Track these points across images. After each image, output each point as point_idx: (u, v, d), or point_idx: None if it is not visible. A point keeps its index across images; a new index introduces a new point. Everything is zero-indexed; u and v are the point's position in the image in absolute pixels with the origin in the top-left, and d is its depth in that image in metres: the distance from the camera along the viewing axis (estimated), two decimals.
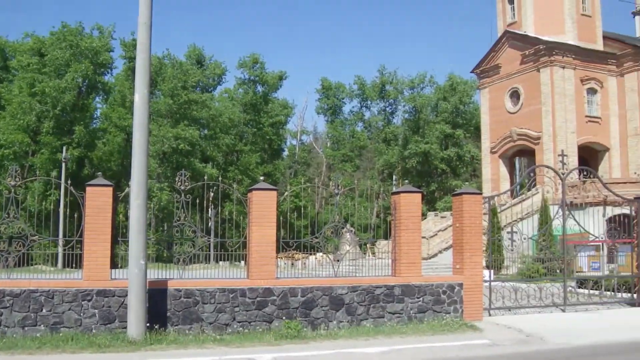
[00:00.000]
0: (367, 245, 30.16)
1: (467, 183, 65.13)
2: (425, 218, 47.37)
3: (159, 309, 13.85)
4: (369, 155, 79.94)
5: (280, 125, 74.81)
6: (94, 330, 13.23)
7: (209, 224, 49.54)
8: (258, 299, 14.62)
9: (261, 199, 15.07)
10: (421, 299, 16.19)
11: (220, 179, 18.23)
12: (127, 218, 13.97)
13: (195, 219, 22.48)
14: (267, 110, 71.22)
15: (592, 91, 48.08)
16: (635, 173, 46.06)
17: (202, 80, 67.24)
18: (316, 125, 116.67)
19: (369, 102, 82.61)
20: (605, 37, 49.62)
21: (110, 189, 14.12)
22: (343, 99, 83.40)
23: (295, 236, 16.89)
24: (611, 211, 36.28)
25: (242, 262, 17.71)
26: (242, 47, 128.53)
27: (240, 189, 44.21)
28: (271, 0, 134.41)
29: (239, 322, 14.36)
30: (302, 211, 30.64)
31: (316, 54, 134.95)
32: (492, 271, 19.86)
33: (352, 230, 32.08)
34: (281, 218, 16.37)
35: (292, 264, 27.25)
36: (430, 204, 69.16)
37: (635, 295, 20.28)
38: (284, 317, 14.60)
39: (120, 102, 61.62)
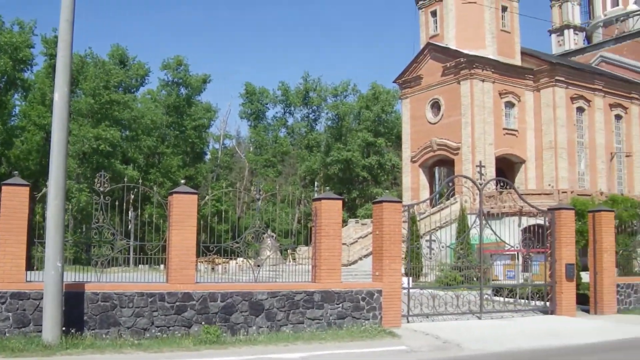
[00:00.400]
0: (288, 251, 30.15)
1: (387, 191, 66.02)
2: (346, 225, 47.70)
3: (76, 312, 13.49)
4: (292, 161, 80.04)
5: (203, 128, 74.07)
6: (7, 334, 12.78)
7: (129, 226, 48.57)
8: (177, 303, 14.43)
9: (182, 202, 14.89)
10: (341, 305, 16.27)
11: (141, 181, 17.89)
12: (44, 219, 13.59)
13: (115, 222, 22.02)
14: (190, 113, 70.39)
15: (510, 105, 49.41)
16: (549, 185, 47.54)
17: (125, 80, 66.01)
18: (239, 129, 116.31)
19: (292, 108, 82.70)
20: (523, 53, 51.10)
21: (27, 188, 13.70)
22: (267, 104, 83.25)
23: (216, 240, 16.73)
24: (526, 221, 37.09)
25: (162, 266, 17.48)
26: (166, 49, 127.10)
27: (162, 192, 43.53)
28: (197, 4, 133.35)
29: (158, 326, 14.14)
30: (224, 215, 30.44)
31: (241, 58, 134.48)
32: (410, 278, 20.14)
33: (273, 236, 31.98)
34: (202, 222, 16.22)
35: (213, 269, 26.97)
36: (351, 211, 69.72)
37: (548, 303, 20.88)
38: (203, 322, 14.45)
39: (40, 100, 59.83)
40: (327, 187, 70.78)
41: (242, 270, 21.87)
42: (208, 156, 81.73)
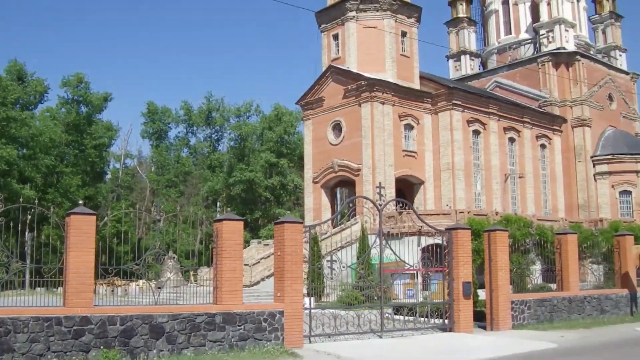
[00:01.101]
0: (190, 272, 29.85)
1: (289, 212, 66.33)
2: (248, 245, 47.54)
3: None
4: (194, 182, 79.29)
5: (104, 147, 72.15)
6: None
7: (25, 248, 47.03)
8: (75, 327, 14.06)
9: (79, 223, 14.57)
10: (242, 326, 16.24)
11: (37, 201, 17.40)
12: None
13: (10, 243, 21.24)
14: (90, 132, 68.40)
15: (409, 127, 50.55)
16: (447, 205, 48.75)
17: (23, 97, 63.68)
18: (141, 149, 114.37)
19: (195, 128, 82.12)
20: (422, 78, 52.47)
21: None
22: (169, 123, 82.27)
23: (116, 262, 16.46)
24: (425, 241, 38.13)
25: (60, 289, 17.01)
26: (67, 66, 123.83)
27: (60, 212, 42.29)
28: (98, 22, 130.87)
29: (54, 352, 13.74)
30: (124, 236, 29.87)
31: (144, 77, 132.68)
32: (312, 299, 20.28)
33: (174, 257, 31.63)
34: (101, 243, 15.92)
35: (113, 291, 26.42)
36: (254, 231, 69.56)
37: (446, 321, 21.43)
38: (102, 347, 14.14)
39: None
40: (230, 208, 70.46)
41: (142, 293, 21.54)
42: (109, 176, 79.85)
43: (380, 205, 21.43)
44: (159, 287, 17.11)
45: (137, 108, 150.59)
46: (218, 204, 75.90)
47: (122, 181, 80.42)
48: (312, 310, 18.59)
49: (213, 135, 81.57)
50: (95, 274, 14.87)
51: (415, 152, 50.66)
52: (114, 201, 72.85)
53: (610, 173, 59.54)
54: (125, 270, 16.51)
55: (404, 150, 49.87)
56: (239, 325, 16.16)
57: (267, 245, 45.96)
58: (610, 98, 64.48)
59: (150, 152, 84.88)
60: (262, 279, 39.31)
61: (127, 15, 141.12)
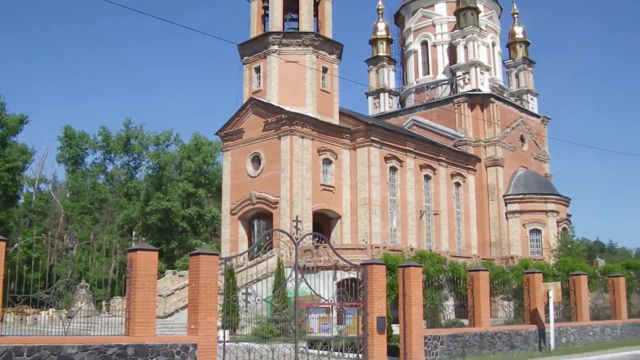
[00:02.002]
0: (103, 302, 29.23)
1: (204, 244, 65.68)
2: (163, 276, 46.83)
3: None
4: (110, 209, 77.64)
5: (18, 171, 69.82)
6: None
7: None
8: None
9: None
10: (155, 359, 16.01)
11: None
12: None
13: None
14: (4, 154, 66.25)
15: (327, 161, 51.00)
16: (363, 240, 49.28)
17: None
18: (56, 174, 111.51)
19: (112, 155, 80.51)
20: (341, 113, 53.13)
21: None
22: (86, 149, 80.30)
23: (26, 290, 16.00)
24: (341, 275, 38.35)
25: None
26: None
27: None
28: (17, 42, 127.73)
29: None
30: (35, 263, 29.06)
31: (62, 101, 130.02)
32: (227, 332, 20.16)
33: (86, 286, 30.92)
34: (10, 270, 15.50)
35: (21, 320, 25.58)
36: (169, 261, 68.54)
37: (361, 355, 21.59)
38: None
39: None
40: (145, 237, 69.39)
41: (52, 322, 20.98)
42: (21, 200, 77.32)
43: (296, 238, 21.54)
44: (70, 317, 16.70)
45: (54, 132, 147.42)
46: (133, 232, 74.55)
47: (35, 206, 77.90)
48: (227, 344, 18.47)
49: (131, 163, 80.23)
50: (3, 302, 14.45)
51: (333, 187, 51.08)
52: (26, 227, 70.62)
53: (521, 212, 61.46)
54: (35, 298, 16.10)
55: (322, 185, 50.20)
56: (151, 358, 15.93)
57: (183, 276, 45.37)
58: (522, 140, 66.74)
59: (65, 178, 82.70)
60: (177, 311, 38.76)
61: (46, 37, 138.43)
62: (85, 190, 78.20)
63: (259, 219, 54.68)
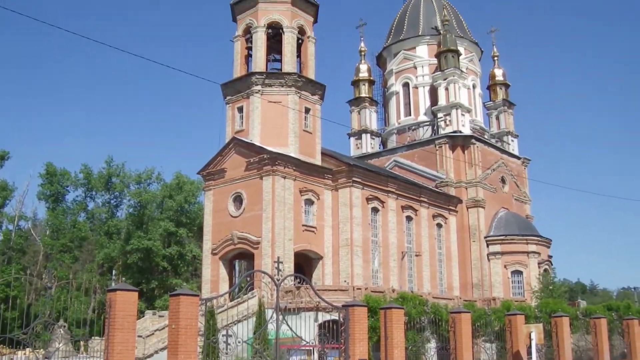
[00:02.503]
0: (81, 342, 28.80)
1: (185, 284, 65.16)
2: (143, 316, 46.28)
3: None
4: (90, 248, 76.91)
5: None
6: None
7: None
8: None
9: None
10: None
11: None
12: None
13: None
14: None
15: (309, 202, 50.93)
16: (345, 281, 49.05)
17: None
18: (36, 211, 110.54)
19: (94, 193, 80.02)
20: (323, 154, 53.22)
21: None
22: (67, 186, 79.78)
23: (3, 329, 15.76)
24: (322, 317, 38.10)
25: None
26: None
27: None
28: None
29: None
30: (12, 302, 28.67)
31: (44, 138, 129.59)
32: None
33: (64, 326, 30.47)
34: None
35: None
36: (149, 301, 67.78)
37: None
38: None
39: None
40: (125, 277, 68.63)
41: None
42: (0, 237, 76.54)
43: (278, 279, 21.46)
44: (47, 358, 16.44)
45: (35, 169, 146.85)
46: (113, 271, 73.84)
47: (14, 244, 77.03)
48: None
49: (112, 201, 79.78)
50: None
51: (314, 227, 50.93)
52: (5, 264, 69.77)
53: (502, 253, 61.63)
54: (11, 338, 15.82)
55: (303, 225, 50.05)
56: None
57: (163, 316, 44.87)
58: (503, 181, 67.19)
59: (45, 215, 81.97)
60: (156, 352, 38.21)
61: (29, 74, 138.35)
62: (65, 228, 77.46)
63: (240, 259, 54.35)
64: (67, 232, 76.66)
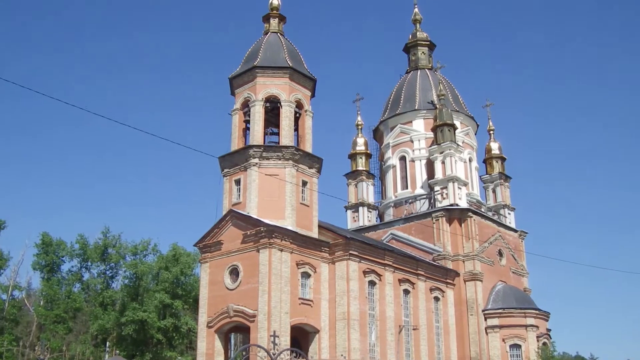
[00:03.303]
0: None
1: (180, 357, 64.44)
2: None
3: None
4: (84, 319, 76.24)
5: None
6: None
7: None
8: None
9: None
10: None
11: None
12: None
13: None
14: None
15: (306, 275, 50.70)
16: (342, 355, 48.52)
17: None
18: (31, 280, 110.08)
19: (89, 263, 79.63)
20: (320, 227, 53.24)
21: None
22: (63, 257, 79.46)
23: None
24: None
25: None
26: None
27: None
28: None
29: None
30: None
31: (40, 207, 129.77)
32: None
33: None
34: None
35: None
36: None
37: None
38: None
39: None
40: (119, 349, 67.82)
41: None
42: None
43: (274, 354, 21.36)
44: None
45: (31, 238, 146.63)
46: (107, 343, 72.98)
47: (7, 314, 76.38)
48: None
49: (107, 272, 79.24)
50: None
51: (311, 301, 50.60)
52: None
53: (500, 327, 61.17)
54: None
55: (300, 298, 49.71)
56: None
57: None
58: (500, 254, 67.19)
59: (40, 285, 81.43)
60: None
61: (28, 142, 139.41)
62: (59, 298, 76.87)
63: (236, 333, 53.85)
64: (61, 302, 76.03)
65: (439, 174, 66.56)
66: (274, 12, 58.49)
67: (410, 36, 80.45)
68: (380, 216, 73.46)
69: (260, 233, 48.75)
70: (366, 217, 72.21)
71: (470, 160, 72.71)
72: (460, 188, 65.47)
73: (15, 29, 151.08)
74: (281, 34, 57.75)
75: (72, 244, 78.96)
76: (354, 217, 72.80)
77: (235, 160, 52.93)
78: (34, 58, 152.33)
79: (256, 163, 51.35)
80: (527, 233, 72.89)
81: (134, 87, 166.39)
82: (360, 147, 76.08)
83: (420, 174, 70.15)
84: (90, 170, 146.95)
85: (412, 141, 71.99)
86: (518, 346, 60.89)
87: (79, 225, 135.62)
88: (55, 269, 79.20)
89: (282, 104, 53.85)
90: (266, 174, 50.88)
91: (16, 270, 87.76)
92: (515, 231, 71.84)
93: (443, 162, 66.59)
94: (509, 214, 73.22)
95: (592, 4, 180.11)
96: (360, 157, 75.31)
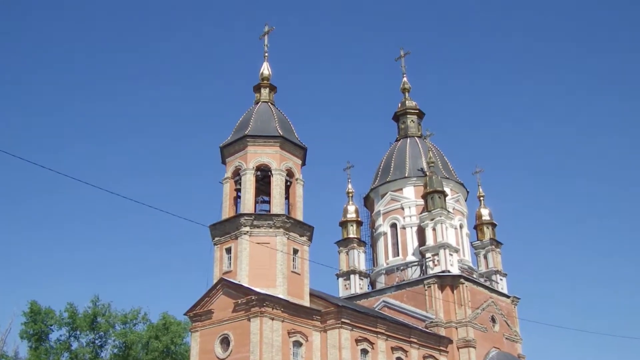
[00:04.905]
0: None
1: None
2: None
3: None
4: None
5: None
6: None
7: None
8: None
9: None
10: None
11: None
12: None
13: None
14: None
15: (297, 344, 50.21)
16: None
17: None
18: (18, 350, 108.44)
19: (78, 332, 78.62)
20: (312, 295, 52.95)
21: None
22: (51, 325, 78.46)
23: None
24: None
25: None
26: None
27: None
28: None
29: None
30: None
31: (29, 275, 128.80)
32: None
33: None
34: None
35: None
36: None
37: None
38: None
39: None
40: None
41: None
42: None
43: None
44: None
45: (19, 306, 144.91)
46: None
47: None
48: None
49: (96, 341, 78.22)
50: None
51: None
52: None
53: None
54: None
55: None
56: None
57: None
58: (493, 320, 66.76)
59: (27, 355, 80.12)
60: None
61: (14, 209, 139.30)
62: None
63: None
64: None
65: (430, 241, 66.62)
66: (265, 82, 59.46)
67: (400, 105, 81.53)
68: (372, 284, 73.17)
69: (252, 302, 48.48)
70: (358, 285, 71.94)
71: (461, 226, 72.91)
72: (451, 254, 65.46)
73: None
74: (272, 104, 58.62)
75: (61, 313, 78.09)
76: (345, 285, 72.49)
77: (226, 229, 52.95)
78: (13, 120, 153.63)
79: (247, 231, 51.40)
80: (519, 299, 72.57)
81: (124, 154, 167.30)
82: (351, 215, 76.32)
83: (412, 241, 70.18)
84: (80, 237, 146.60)
85: (402, 208, 72.23)
86: None
87: (69, 293, 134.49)
88: (43, 337, 78.05)
89: (272, 172, 54.26)
90: (257, 242, 50.95)
91: (3, 339, 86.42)
92: (508, 297, 71.55)
93: (434, 229, 66.70)
94: (501, 279, 73.06)
95: (578, 63, 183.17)
96: (351, 225, 75.49)
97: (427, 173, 70.34)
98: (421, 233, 68.70)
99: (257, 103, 58.60)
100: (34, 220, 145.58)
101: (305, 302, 52.04)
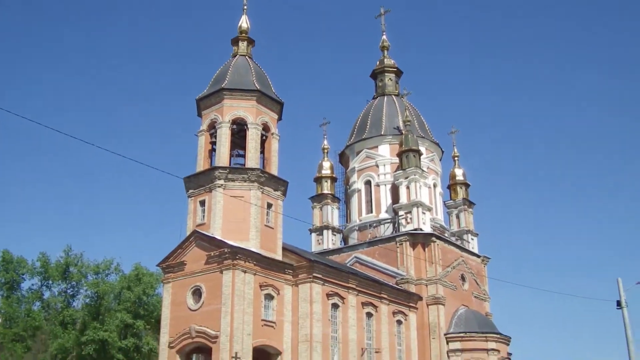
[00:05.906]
0: None
1: None
2: None
3: None
4: (43, 337, 75.20)
5: None
6: None
7: None
8: None
9: None
10: None
11: None
12: None
13: None
14: None
15: (269, 297, 50.72)
16: None
17: None
18: None
19: (50, 282, 78.57)
20: (285, 249, 53.34)
21: None
22: (23, 274, 78.30)
23: None
24: None
25: None
26: None
27: None
28: None
29: None
30: None
31: (1, 225, 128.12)
32: None
33: None
34: None
35: None
36: None
37: None
38: None
39: None
40: None
41: None
42: None
43: None
44: None
45: None
46: None
47: None
48: None
49: (68, 291, 78.24)
50: None
51: (274, 323, 50.60)
52: None
53: (462, 350, 61.67)
54: None
55: (263, 320, 49.68)
56: None
57: None
58: (463, 279, 67.83)
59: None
60: None
61: None
62: (19, 316, 75.67)
63: (198, 354, 53.41)
64: (20, 321, 74.84)
65: (403, 199, 67.13)
66: (243, 35, 58.94)
67: (378, 62, 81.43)
68: (345, 239, 73.79)
69: (224, 254, 48.74)
70: (330, 240, 72.50)
71: (434, 185, 73.52)
72: (424, 213, 66.09)
73: None
74: (249, 57, 58.19)
75: (33, 262, 77.96)
76: (318, 240, 73.02)
77: (200, 182, 52.93)
78: None
79: (221, 184, 51.43)
80: (489, 258, 73.70)
81: (99, 108, 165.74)
82: (326, 171, 76.58)
83: (385, 199, 70.72)
84: (53, 188, 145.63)
85: (377, 166, 72.63)
86: None
87: (41, 243, 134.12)
88: (15, 286, 77.97)
89: (248, 126, 54.12)
90: (231, 196, 51.00)
91: None
92: (478, 256, 72.61)
93: (408, 187, 67.18)
94: (472, 239, 74.01)
95: (563, 31, 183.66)
96: (326, 181, 75.78)
97: (403, 131, 70.57)
98: (395, 191, 69.20)
99: (235, 56, 58.15)
100: (7, 171, 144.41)
101: (278, 256, 52.42)
